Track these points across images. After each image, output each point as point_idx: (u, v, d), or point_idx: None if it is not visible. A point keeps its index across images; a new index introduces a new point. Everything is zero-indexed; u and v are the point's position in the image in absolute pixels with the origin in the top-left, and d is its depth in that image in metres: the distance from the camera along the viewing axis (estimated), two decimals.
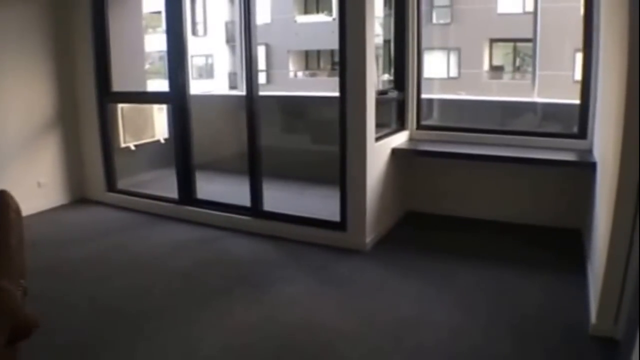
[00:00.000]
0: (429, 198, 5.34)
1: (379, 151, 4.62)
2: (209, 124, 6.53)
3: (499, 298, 3.61)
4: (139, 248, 4.56)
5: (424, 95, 5.44)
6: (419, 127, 5.39)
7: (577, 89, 4.68)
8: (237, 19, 21.30)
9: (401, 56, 5.20)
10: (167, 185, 5.53)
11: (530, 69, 17.77)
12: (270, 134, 5.92)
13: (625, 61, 2.77)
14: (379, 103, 4.51)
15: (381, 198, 4.67)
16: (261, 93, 4.86)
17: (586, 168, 4.30)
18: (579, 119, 4.69)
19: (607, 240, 2.97)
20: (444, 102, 6.52)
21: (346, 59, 4.20)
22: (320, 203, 5.50)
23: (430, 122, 5.71)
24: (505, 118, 6.10)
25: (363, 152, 4.31)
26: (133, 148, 6.08)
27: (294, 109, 7.50)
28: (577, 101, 4.70)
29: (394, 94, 5.19)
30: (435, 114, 6.11)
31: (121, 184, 5.82)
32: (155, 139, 6.31)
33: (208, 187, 5.57)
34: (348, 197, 4.44)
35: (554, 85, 14.32)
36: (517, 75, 18.60)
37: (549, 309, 3.44)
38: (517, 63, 18.80)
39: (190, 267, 4.15)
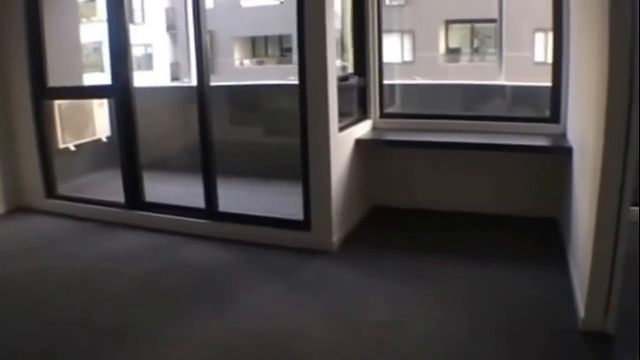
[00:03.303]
0: (395, 191, 5.32)
1: (343, 142, 4.56)
2: (154, 119, 6.40)
3: (479, 294, 3.61)
4: (86, 260, 4.39)
5: (385, 81, 5.41)
6: (383, 115, 5.36)
7: (538, 70, 4.72)
8: (178, 5, 20.98)
9: (361, 40, 5.15)
10: (112, 188, 5.35)
11: (490, 50, 18.04)
12: (219, 127, 5.78)
13: (605, 42, 2.77)
14: (340, 90, 4.43)
15: (346, 193, 4.61)
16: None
17: (561, 153, 4.34)
18: (550, 102, 4.74)
19: (592, 231, 2.97)
20: (407, 88, 6.52)
21: (305, 44, 4.12)
22: (279, 200, 5.45)
23: (394, 110, 5.69)
24: (472, 102, 6.13)
25: (326, 143, 4.23)
26: (73, 148, 5.87)
27: (244, 100, 7.40)
28: (542, 83, 4.74)
29: (354, 80, 5.12)
30: (398, 100, 6.09)
31: (62, 189, 5.59)
32: (97, 137, 6.12)
33: (158, 188, 5.43)
34: (312, 193, 4.36)
35: (514, 67, 14.56)
36: (476, 58, 18.85)
37: (533, 303, 3.46)
38: (475, 45, 19.04)
39: (145, 279, 4.02)
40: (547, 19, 4.67)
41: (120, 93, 4.94)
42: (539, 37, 15.78)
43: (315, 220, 4.39)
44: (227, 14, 20.14)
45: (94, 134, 6.10)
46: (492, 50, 18.36)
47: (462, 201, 5.11)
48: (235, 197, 5.29)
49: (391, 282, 3.84)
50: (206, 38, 4.55)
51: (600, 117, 2.85)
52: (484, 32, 18.43)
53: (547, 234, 4.54)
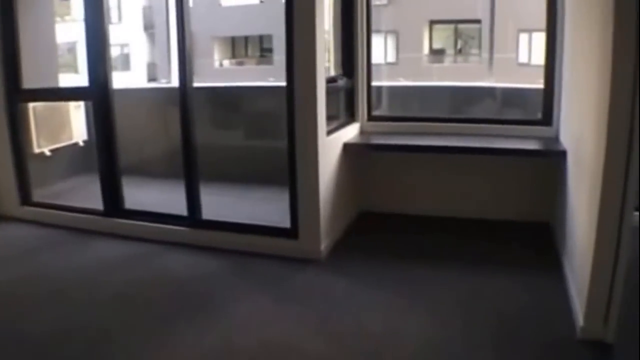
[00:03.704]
0: (384, 196, 5.27)
1: (331, 146, 4.49)
2: (134, 122, 6.28)
3: (473, 302, 3.57)
4: (63, 270, 4.26)
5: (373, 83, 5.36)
6: (370, 118, 5.31)
7: (522, 71, 4.73)
8: (156, 4, 20.81)
9: (349, 40, 5.08)
10: (90, 194, 5.24)
11: (473, 51, 18.12)
12: (201, 131, 5.71)
13: (607, 43, 2.74)
14: (327, 92, 4.35)
15: (334, 199, 4.54)
16: None
17: (554, 157, 4.33)
18: (543, 105, 4.74)
19: (592, 238, 2.93)
20: (393, 90, 6.47)
21: (294, 44, 4.03)
22: (264, 207, 5.38)
23: (381, 113, 5.64)
24: (461, 105, 6.10)
25: (314, 148, 4.15)
26: (48, 153, 5.79)
27: (227, 102, 7.29)
28: (532, 85, 4.72)
29: (342, 82, 5.05)
30: (385, 103, 6.04)
31: (37, 195, 5.45)
32: (73, 141, 6.06)
33: (138, 194, 5.33)
34: (299, 199, 4.27)
35: (498, 68, 14.64)
36: (459, 59, 18.93)
37: (529, 310, 3.43)
38: (459, 45, 19.12)
39: (125, 290, 3.90)
40: (532, 20, 4.66)
41: (98, 95, 4.81)
42: (523, 38, 15.90)
43: (303, 227, 4.30)
44: (206, 14, 20.02)
45: (71, 138, 6.03)
46: (475, 51, 18.48)
47: (453, 206, 5.07)
48: (218, 203, 5.20)
49: (383, 291, 3.78)
50: (190, 38, 4.48)
51: (602, 120, 2.81)
52: (468, 33, 18.52)
53: (540, 239, 4.54)
